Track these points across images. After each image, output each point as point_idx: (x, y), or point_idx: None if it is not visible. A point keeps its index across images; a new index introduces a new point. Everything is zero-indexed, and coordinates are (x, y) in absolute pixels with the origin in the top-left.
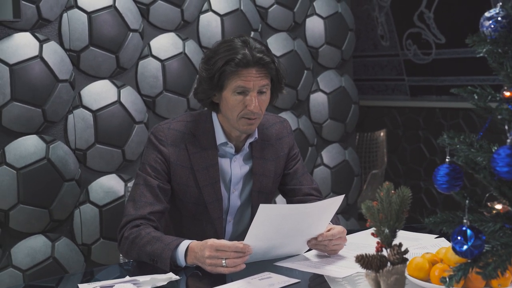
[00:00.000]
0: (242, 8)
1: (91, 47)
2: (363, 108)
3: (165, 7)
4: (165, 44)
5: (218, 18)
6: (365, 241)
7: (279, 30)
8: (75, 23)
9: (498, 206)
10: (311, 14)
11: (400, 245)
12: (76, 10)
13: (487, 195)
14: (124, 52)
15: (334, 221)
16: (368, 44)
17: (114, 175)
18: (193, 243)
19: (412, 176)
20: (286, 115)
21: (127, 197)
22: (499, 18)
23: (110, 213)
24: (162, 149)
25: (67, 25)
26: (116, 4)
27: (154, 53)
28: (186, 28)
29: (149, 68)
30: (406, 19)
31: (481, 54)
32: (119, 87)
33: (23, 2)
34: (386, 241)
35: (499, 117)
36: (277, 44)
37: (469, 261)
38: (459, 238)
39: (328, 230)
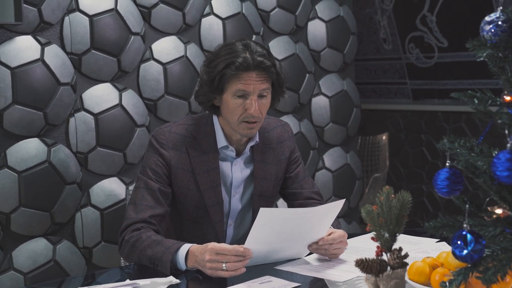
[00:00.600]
0: (244, 11)
1: (92, 50)
2: (365, 112)
3: (167, 10)
4: (166, 48)
5: (220, 22)
6: (365, 245)
7: (281, 33)
8: (77, 26)
9: (499, 211)
10: (313, 18)
11: (400, 249)
12: (77, 13)
13: (487, 199)
14: (126, 56)
15: (335, 225)
16: (370, 47)
17: (115, 178)
18: (194, 246)
19: (414, 180)
20: (288, 119)
21: (128, 200)
22: (500, 22)
23: (111, 216)
24: (163, 153)
25: (69, 28)
26: (118, 8)
27: (155, 56)
28: (188, 31)
29: (151, 71)
30: (409, 23)
31: (481, 59)
32: (120, 91)
33: (24, 5)
34: (386, 245)
35: (499, 121)
36: (279, 48)
37: (469, 265)
38: (459, 242)
39: (329, 234)
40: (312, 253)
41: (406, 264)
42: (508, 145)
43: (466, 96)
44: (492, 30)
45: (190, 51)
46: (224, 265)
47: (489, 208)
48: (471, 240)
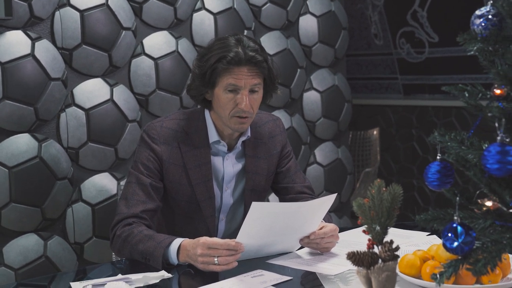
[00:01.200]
0: (235, 6)
1: (83, 45)
2: (356, 107)
3: (158, 5)
4: (158, 43)
5: (211, 17)
6: (357, 239)
7: (272, 28)
8: (68, 21)
9: (489, 203)
10: (305, 13)
11: (391, 242)
12: (68, 8)
13: (477, 192)
14: (117, 51)
15: (327, 219)
16: (362, 42)
17: (106, 174)
18: (185, 241)
19: (405, 174)
20: (279, 114)
21: (120, 195)
22: (490, 16)
23: (103, 212)
24: (154, 147)
25: (60, 23)
26: (109, 2)
27: (147, 51)
28: (179, 26)
29: (142, 66)
30: (400, 18)
31: (472, 52)
32: (111, 86)
33: (15, 0)
34: (377, 238)
35: (489, 114)
36: (270, 43)
37: (459, 257)
38: (449, 235)
39: (321, 228)
40: (304, 247)
41: (397, 256)
42: (498, 138)
43: (457, 89)
44: (483, 24)
45: (181, 46)
46: (216, 259)
47: (479, 200)
48: (461, 232)
